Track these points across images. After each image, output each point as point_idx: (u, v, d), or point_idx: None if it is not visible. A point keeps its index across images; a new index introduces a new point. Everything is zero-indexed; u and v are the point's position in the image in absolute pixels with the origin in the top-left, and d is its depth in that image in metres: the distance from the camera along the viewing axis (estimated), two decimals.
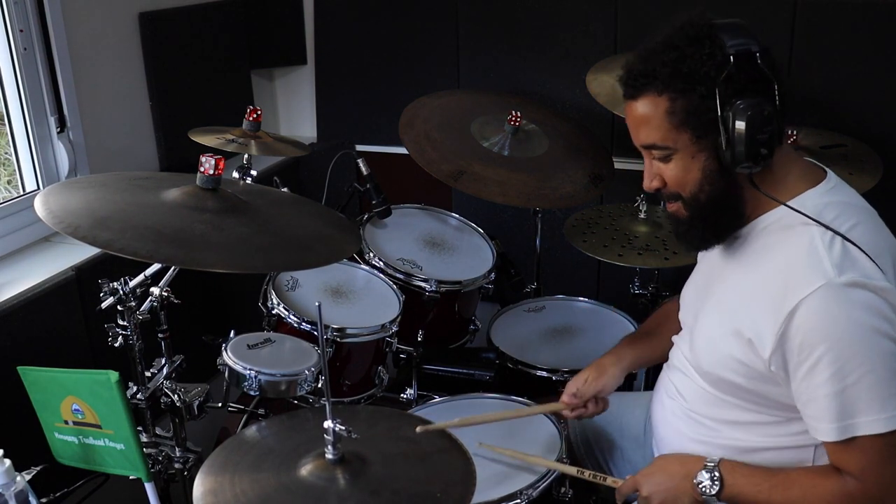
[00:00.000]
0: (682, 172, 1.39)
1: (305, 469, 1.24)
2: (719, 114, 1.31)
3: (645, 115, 1.38)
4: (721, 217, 1.42)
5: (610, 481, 1.58)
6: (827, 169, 1.45)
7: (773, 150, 1.32)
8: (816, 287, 1.26)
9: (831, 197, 1.38)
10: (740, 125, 1.29)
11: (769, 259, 1.37)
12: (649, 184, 1.45)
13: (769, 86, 1.31)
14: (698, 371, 1.51)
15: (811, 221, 1.33)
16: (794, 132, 2.22)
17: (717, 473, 1.41)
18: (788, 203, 1.36)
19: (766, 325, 1.32)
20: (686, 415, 1.55)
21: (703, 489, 1.41)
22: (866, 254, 1.29)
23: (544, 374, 2.11)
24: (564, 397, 1.73)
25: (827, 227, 1.31)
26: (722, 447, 1.47)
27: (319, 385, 1.77)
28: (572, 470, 1.61)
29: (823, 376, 1.27)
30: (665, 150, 1.39)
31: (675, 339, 1.67)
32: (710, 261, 1.57)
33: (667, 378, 1.65)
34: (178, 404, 1.64)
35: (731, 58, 1.30)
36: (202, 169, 1.48)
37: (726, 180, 1.37)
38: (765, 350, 1.33)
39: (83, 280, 2.08)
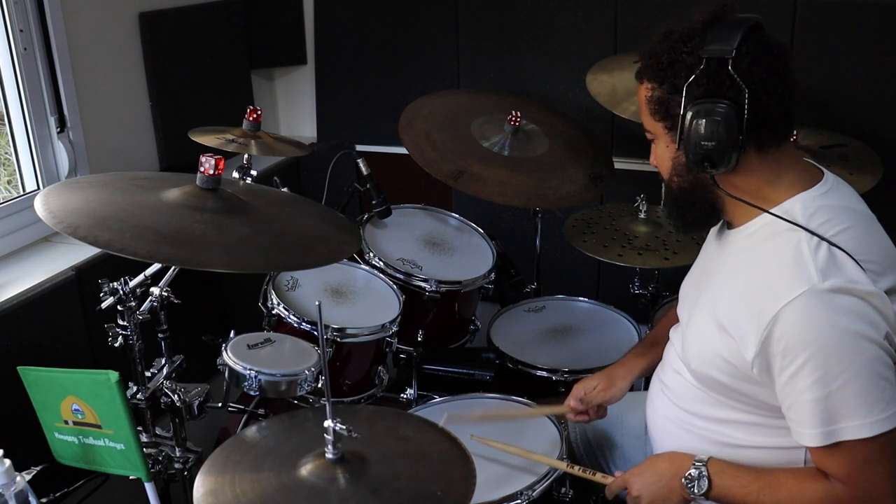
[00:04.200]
0: (660, 159, 1.48)
1: (306, 469, 1.24)
2: (680, 112, 1.35)
3: (640, 98, 1.46)
4: (690, 209, 1.47)
5: (599, 477, 1.59)
6: (826, 171, 1.44)
7: (728, 159, 1.33)
8: (800, 292, 1.26)
9: (824, 200, 1.37)
10: (694, 127, 1.33)
11: (756, 263, 1.38)
12: (650, 160, 1.53)
13: (738, 93, 1.31)
14: (688, 368, 1.52)
15: (797, 227, 1.33)
16: (794, 132, 2.21)
17: (705, 473, 1.42)
18: (780, 205, 1.37)
19: (750, 327, 1.32)
20: (676, 412, 1.55)
21: (691, 488, 1.42)
22: (854, 259, 1.29)
23: (544, 374, 2.11)
24: (570, 401, 1.75)
25: (812, 233, 1.31)
26: (713, 443, 1.48)
27: (319, 385, 1.77)
28: (562, 465, 1.62)
29: (807, 382, 1.27)
30: (649, 133, 1.47)
31: (671, 333, 1.67)
32: (706, 257, 1.59)
33: (660, 375, 1.65)
34: (178, 404, 1.64)
35: (704, 61, 1.32)
36: (202, 169, 1.48)
37: (693, 175, 1.41)
38: (748, 352, 1.33)
39: (83, 280, 2.08)
